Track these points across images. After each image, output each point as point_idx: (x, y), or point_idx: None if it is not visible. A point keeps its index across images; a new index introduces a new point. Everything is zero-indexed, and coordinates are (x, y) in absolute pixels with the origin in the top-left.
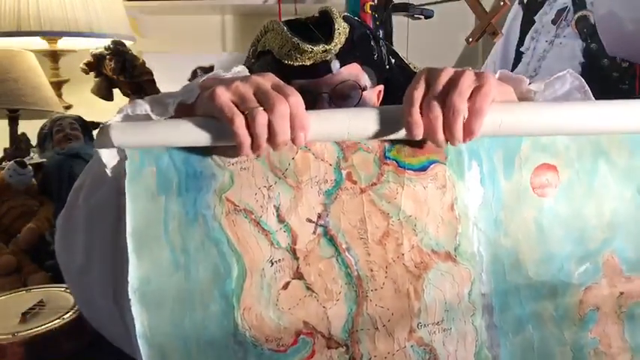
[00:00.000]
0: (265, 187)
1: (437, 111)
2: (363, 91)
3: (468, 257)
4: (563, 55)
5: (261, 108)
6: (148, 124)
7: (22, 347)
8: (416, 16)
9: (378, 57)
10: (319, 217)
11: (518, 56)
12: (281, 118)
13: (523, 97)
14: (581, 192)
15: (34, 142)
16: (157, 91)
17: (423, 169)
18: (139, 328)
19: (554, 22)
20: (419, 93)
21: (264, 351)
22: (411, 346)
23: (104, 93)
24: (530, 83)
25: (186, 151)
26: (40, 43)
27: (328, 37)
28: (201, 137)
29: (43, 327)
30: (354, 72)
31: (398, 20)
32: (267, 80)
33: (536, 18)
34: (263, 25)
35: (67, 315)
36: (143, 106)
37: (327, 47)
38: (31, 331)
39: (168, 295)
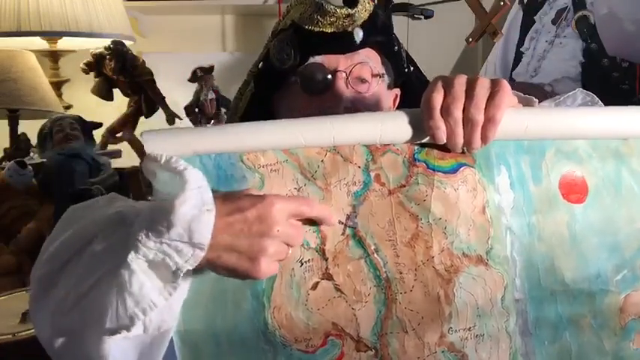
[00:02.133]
0: (295, 188)
1: (457, 115)
2: (380, 77)
3: (501, 261)
4: (563, 55)
5: None
6: (178, 131)
7: (22, 347)
8: (416, 16)
9: (398, 52)
10: (348, 218)
11: (518, 56)
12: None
13: None
14: (609, 199)
15: (34, 142)
16: (157, 91)
17: (453, 171)
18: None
19: (554, 22)
20: (438, 98)
21: (294, 351)
22: (442, 351)
23: (104, 93)
24: (540, 102)
25: (216, 156)
26: (40, 43)
27: (352, 4)
28: (236, 142)
29: None
30: (373, 57)
31: (398, 20)
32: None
33: (536, 18)
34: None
35: None
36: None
37: (351, 11)
38: (31, 331)
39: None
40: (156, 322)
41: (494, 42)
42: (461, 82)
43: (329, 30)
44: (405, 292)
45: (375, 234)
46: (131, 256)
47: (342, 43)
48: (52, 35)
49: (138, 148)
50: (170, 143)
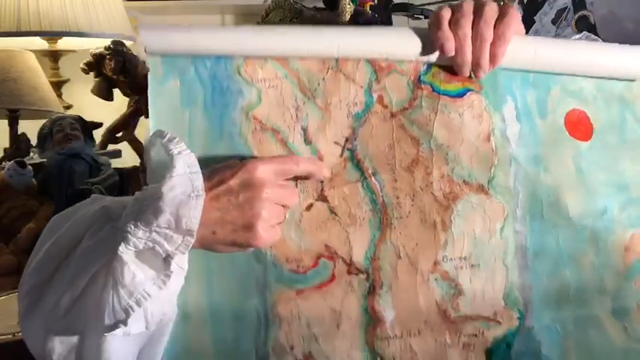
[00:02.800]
0: (293, 107)
1: (466, 29)
2: None
3: (503, 191)
4: None
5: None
6: (177, 28)
7: (22, 347)
8: (416, 16)
9: None
10: (347, 140)
11: None
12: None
13: None
14: (614, 141)
15: (34, 142)
16: None
17: (459, 95)
18: None
19: (554, 22)
20: (446, 14)
21: (284, 271)
22: (435, 279)
23: (104, 93)
24: None
25: (212, 64)
26: (40, 43)
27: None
28: (235, 43)
29: None
30: None
31: (398, 20)
32: None
33: (536, 18)
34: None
35: None
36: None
37: (331, 15)
38: None
39: None
40: (157, 316)
41: None
42: (469, 3)
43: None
44: (401, 218)
45: (373, 157)
46: (121, 247)
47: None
48: (52, 35)
49: (138, 148)
50: (166, 39)
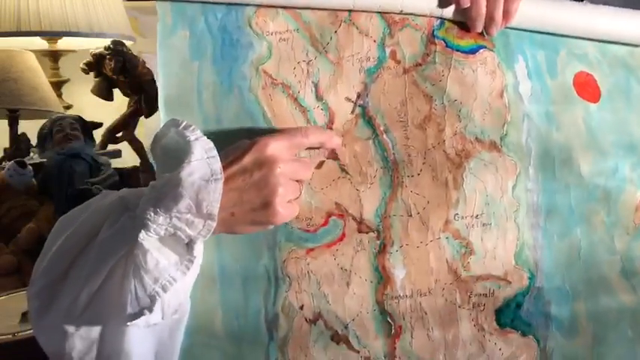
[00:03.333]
0: (305, 61)
1: None
2: None
3: (515, 149)
4: None
5: None
6: None
7: (22, 347)
8: None
9: None
10: (359, 96)
11: None
12: None
13: None
14: (621, 104)
15: (34, 142)
16: (157, 91)
17: (472, 52)
18: None
19: None
20: None
21: (294, 230)
22: (446, 237)
23: (104, 93)
24: None
25: (223, 15)
26: (40, 43)
27: None
28: None
29: None
30: None
31: None
32: None
33: None
34: None
35: None
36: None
37: None
38: (31, 331)
39: None
40: (173, 306)
41: None
42: None
43: None
44: (413, 176)
45: (385, 114)
46: (142, 235)
47: None
48: (52, 35)
49: (138, 148)
50: None
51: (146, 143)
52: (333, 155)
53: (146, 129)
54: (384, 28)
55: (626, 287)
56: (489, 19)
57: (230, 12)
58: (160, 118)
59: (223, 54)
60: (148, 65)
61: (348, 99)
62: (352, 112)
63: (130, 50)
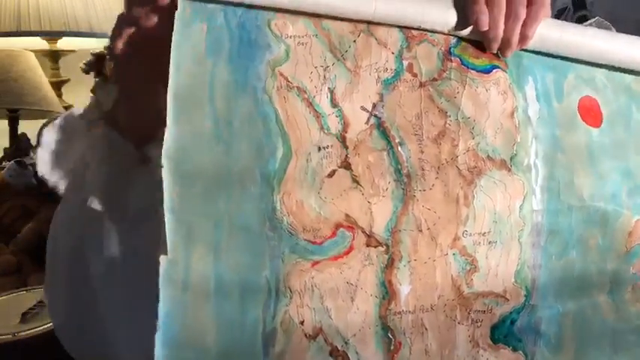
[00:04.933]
0: (322, 67)
1: (502, 5)
2: None
3: (524, 169)
4: None
5: None
6: None
7: (22, 347)
8: None
9: None
10: (374, 106)
11: None
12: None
13: None
14: (621, 130)
15: (34, 142)
16: None
17: (486, 71)
18: (167, 200)
19: None
20: None
21: (300, 241)
22: (454, 254)
23: None
24: None
25: (243, 13)
26: (40, 43)
27: None
28: None
29: (43, 327)
30: None
31: None
32: None
33: None
34: None
35: None
36: None
37: None
38: (31, 331)
39: (204, 168)
40: None
41: None
42: None
43: None
44: (425, 190)
45: (400, 126)
46: None
47: None
48: (52, 35)
49: None
50: None
51: None
52: (346, 164)
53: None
54: (402, 41)
55: (611, 307)
56: (506, 42)
57: (250, 11)
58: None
59: (240, 52)
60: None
61: (363, 108)
62: (367, 122)
63: None
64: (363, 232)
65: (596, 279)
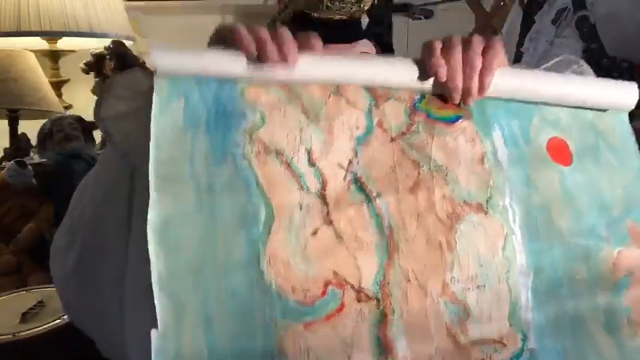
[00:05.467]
0: (297, 129)
1: (457, 57)
2: None
3: (500, 210)
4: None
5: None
6: (187, 49)
7: (22, 347)
8: (416, 16)
9: (391, 47)
10: (350, 163)
11: (518, 56)
12: (291, 41)
13: None
14: (591, 166)
15: (34, 142)
16: None
17: (452, 121)
18: (155, 274)
19: (554, 22)
20: (438, 44)
21: (290, 303)
22: (445, 302)
23: None
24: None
25: (217, 88)
26: (40, 43)
27: None
28: (238, 65)
29: (43, 327)
30: (372, 48)
31: (398, 20)
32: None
33: (536, 18)
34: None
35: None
36: None
37: None
38: (31, 331)
39: (189, 237)
40: None
41: None
42: (457, 37)
43: (337, 17)
44: (408, 240)
45: (377, 180)
46: None
47: (347, 32)
48: (52, 35)
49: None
50: (177, 61)
51: None
52: (328, 221)
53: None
54: (370, 100)
55: (611, 344)
56: (466, 91)
57: (224, 84)
58: None
59: (217, 123)
60: (148, 65)
61: (340, 165)
62: (344, 177)
63: (130, 50)
64: (353, 287)
65: (589, 314)
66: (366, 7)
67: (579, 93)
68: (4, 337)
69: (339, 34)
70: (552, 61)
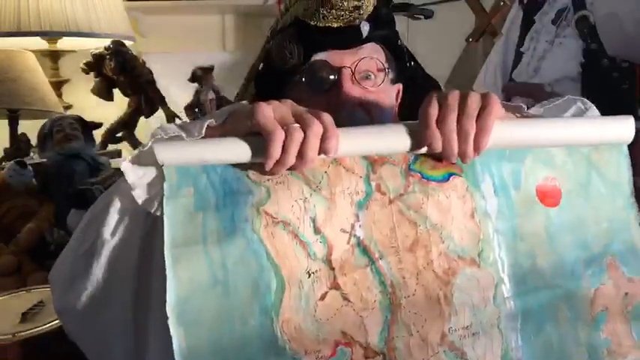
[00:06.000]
0: (301, 199)
1: (452, 126)
2: (385, 72)
3: (491, 262)
4: (563, 55)
5: (298, 125)
6: (190, 142)
7: (22, 347)
8: (416, 16)
9: (400, 47)
10: (352, 227)
11: (518, 56)
12: (315, 136)
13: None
14: (580, 202)
15: (34, 142)
16: (157, 91)
17: (444, 180)
18: (176, 348)
19: (554, 22)
20: (433, 111)
21: None
22: (444, 351)
23: (104, 93)
24: (529, 108)
25: (222, 171)
26: (40, 43)
27: None
28: (242, 153)
29: (43, 327)
30: (377, 51)
31: (398, 20)
32: (297, 105)
33: (536, 18)
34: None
35: None
36: (174, 130)
37: (358, 4)
38: (31, 331)
39: (206, 312)
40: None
41: (494, 42)
42: (454, 96)
43: (335, 24)
44: (409, 296)
45: (378, 241)
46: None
47: (348, 38)
48: (52, 35)
49: (138, 148)
50: (181, 154)
51: None
52: (335, 285)
53: (146, 129)
54: (367, 166)
55: None
56: (462, 155)
57: (228, 167)
58: (159, 118)
59: (226, 202)
60: (148, 65)
61: (343, 230)
62: (348, 242)
63: (130, 50)
64: (360, 345)
65: (574, 349)
66: (365, 15)
67: (574, 135)
68: (4, 337)
69: (337, 40)
70: (558, 101)
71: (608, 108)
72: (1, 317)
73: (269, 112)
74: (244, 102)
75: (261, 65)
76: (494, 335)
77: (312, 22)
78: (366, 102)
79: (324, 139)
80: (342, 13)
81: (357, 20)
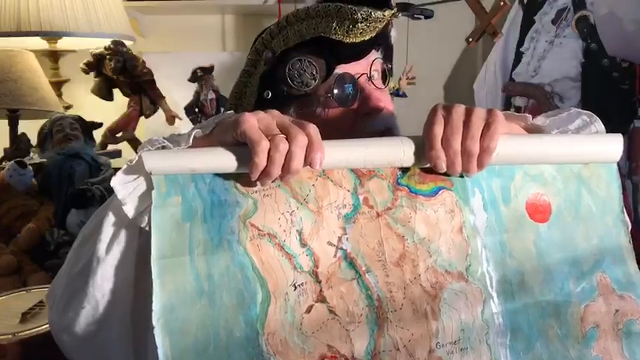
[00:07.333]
0: (288, 212)
1: (456, 147)
2: (387, 71)
3: (479, 277)
4: (563, 55)
5: (284, 136)
6: (177, 151)
7: (22, 347)
8: (416, 16)
9: (392, 46)
10: (339, 240)
11: (518, 56)
12: (300, 147)
13: (529, 129)
14: (570, 219)
15: (34, 142)
16: (157, 91)
17: (433, 194)
18: (162, 357)
19: (554, 22)
20: (439, 130)
21: None
22: None
23: (104, 93)
24: (531, 113)
25: (211, 181)
26: (40, 43)
27: (383, 4)
28: (228, 162)
29: (43, 327)
30: (377, 52)
31: (398, 20)
32: (283, 116)
33: (536, 18)
34: (274, 26)
35: None
36: (161, 142)
37: (393, 11)
38: (31, 331)
39: (192, 322)
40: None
41: (494, 42)
42: (459, 113)
43: (367, 37)
44: (395, 310)
45: (365, 255)
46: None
47: (364, 48)
48: (52, 35)
49: (138, 148)
50: (168, 162)
51: None
52: (321, 298)
53: (146, 129)
54: (355, 179)
55: None
56: (465, 172)
57: (216, 177)
58: (159, 118)
59: (213, 213)
60: (148, 65)
61: (330, 243)
62: (335, 255)
63: (130, 50)
64: (346, 359)
65: None
66: (383, 23)
67: (565, 152)
68: (4, 337)
69: (357, 51)
70: (564, 114)
71: (608, 108)
72: (1, 317)
73: (254, 122)
74: (230, 112)
75: (269, 94)
76: (483, 351)
77: (344, 39)
78: (384, 101)
79: (309, 150)
80: (371, 25)
81: (379, 29)
